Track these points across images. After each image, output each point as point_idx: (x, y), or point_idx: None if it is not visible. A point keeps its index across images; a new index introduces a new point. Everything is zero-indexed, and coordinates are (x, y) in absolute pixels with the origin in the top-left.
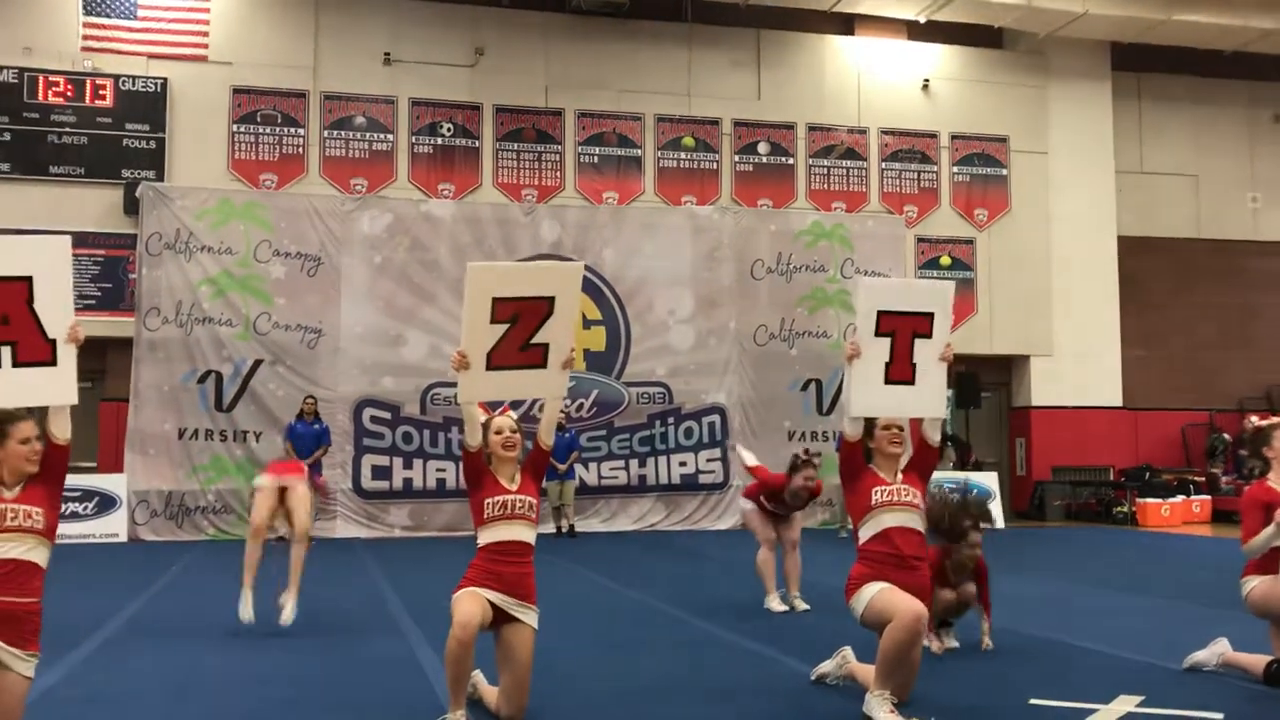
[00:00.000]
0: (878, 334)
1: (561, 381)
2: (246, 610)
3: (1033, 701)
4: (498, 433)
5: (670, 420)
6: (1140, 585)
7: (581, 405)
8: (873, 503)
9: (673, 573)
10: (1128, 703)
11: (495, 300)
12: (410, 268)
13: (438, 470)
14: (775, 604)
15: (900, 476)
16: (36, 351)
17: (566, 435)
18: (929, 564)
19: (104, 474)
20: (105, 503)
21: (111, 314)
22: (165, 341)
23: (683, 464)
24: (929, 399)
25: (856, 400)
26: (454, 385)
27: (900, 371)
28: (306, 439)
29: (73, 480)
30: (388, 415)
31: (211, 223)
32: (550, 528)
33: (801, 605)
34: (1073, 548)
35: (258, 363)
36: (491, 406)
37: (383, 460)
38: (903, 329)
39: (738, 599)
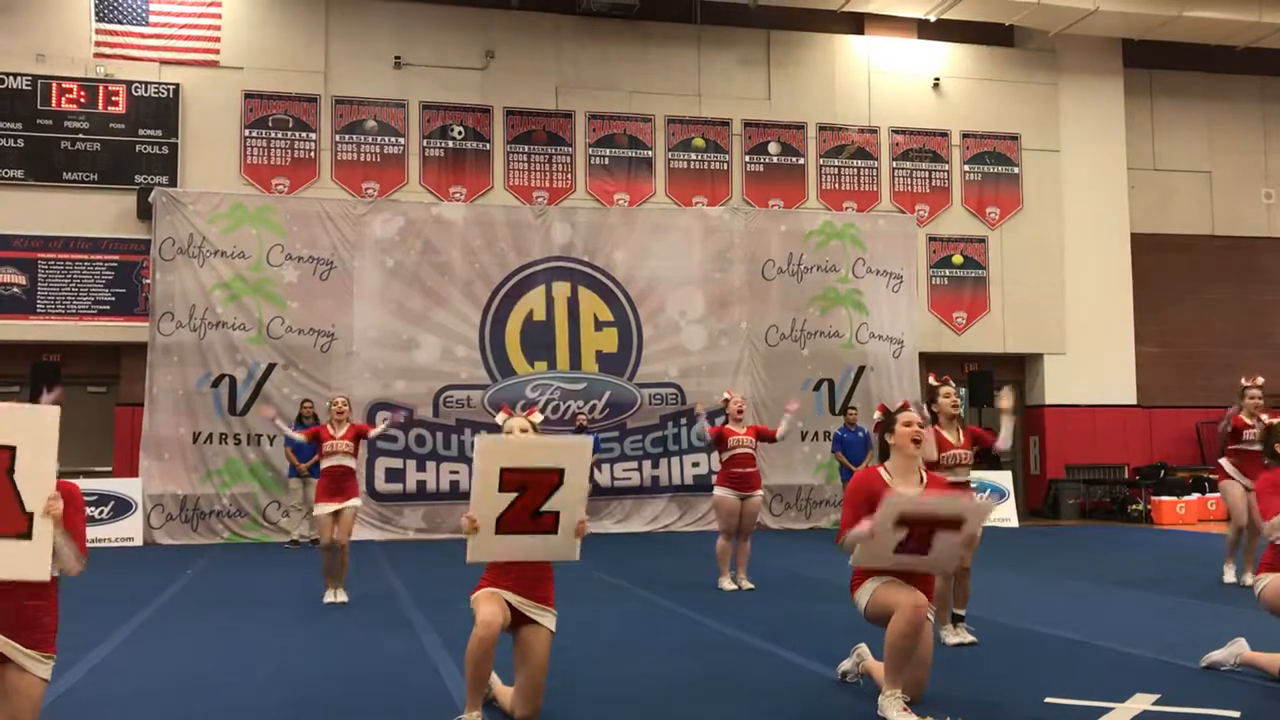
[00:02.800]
0: (897, 526)
1: (573, 546)
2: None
3: (1048, 700)
4: (509, 434)
5: (683, 421)
6: (1155, 583)
7: (594, 407)
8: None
9: (686, 574)
10: (1144, 701)
11: (504, 470)
12: (422, 270)
13: (451, 472)
14: (727, 584)
15: (923, 476)
16: (12, 523)
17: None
18: None
19: (119, 478)
20: (121, 506)
21: (125, 319)
22: (179, 346)
23: (695, 465)
24: (939, 563)
25: (859, 557)
26: (467, 387)
27: (915, 548)
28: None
29: (88, 484)
30: (400, 418)
31: (224, 227)
32: None
33: (748, 585)
34: (1087, 546)
35: (271, 366)
36: (512, 406)
37: (396, 463)
38: (925, 525)
39: (750, 600)
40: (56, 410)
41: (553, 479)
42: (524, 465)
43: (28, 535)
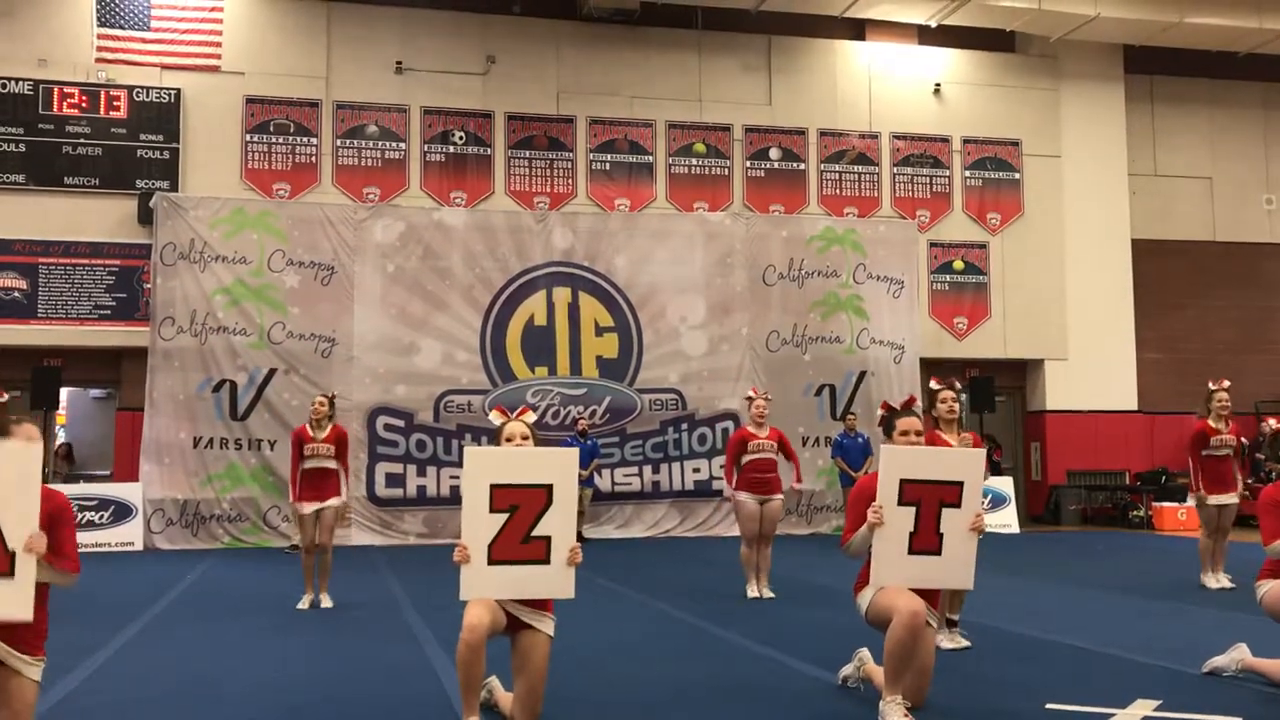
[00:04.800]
0: (901, 503)
1: (568, 579)
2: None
3: (1049, 706)
4: (508, 439)
5: (684, 426)
6: (1157, 589)
7: (595, 412)
8: None
9: (687, 579)
10: (1145, 707)
11: (493, 487)
12: (423, 276)
13: (451, 477)
14: (753, 592)
15: None
16: None
17: (588, 443)
18: None
19: (119, 483)
20: (121, 511)
21: (126, 324)
22: (180, 351)
23: (696, 470)
24: (956, 570)
25: (877, 571)
26: (467, 392)
27: (925, 541)
28: None
29: (88, 489)
30: (401, 423)
31: (225, 232)
32: None
33: (768, 593)
34: (1088, 552)
35: (272, 371)
36: (510, 408)
37: (396, 468)
38: (928, 498)
39: (752, 605)
40: (38, 448)
41: (542, 498)
42: (514, 481)
43: (10, 574)
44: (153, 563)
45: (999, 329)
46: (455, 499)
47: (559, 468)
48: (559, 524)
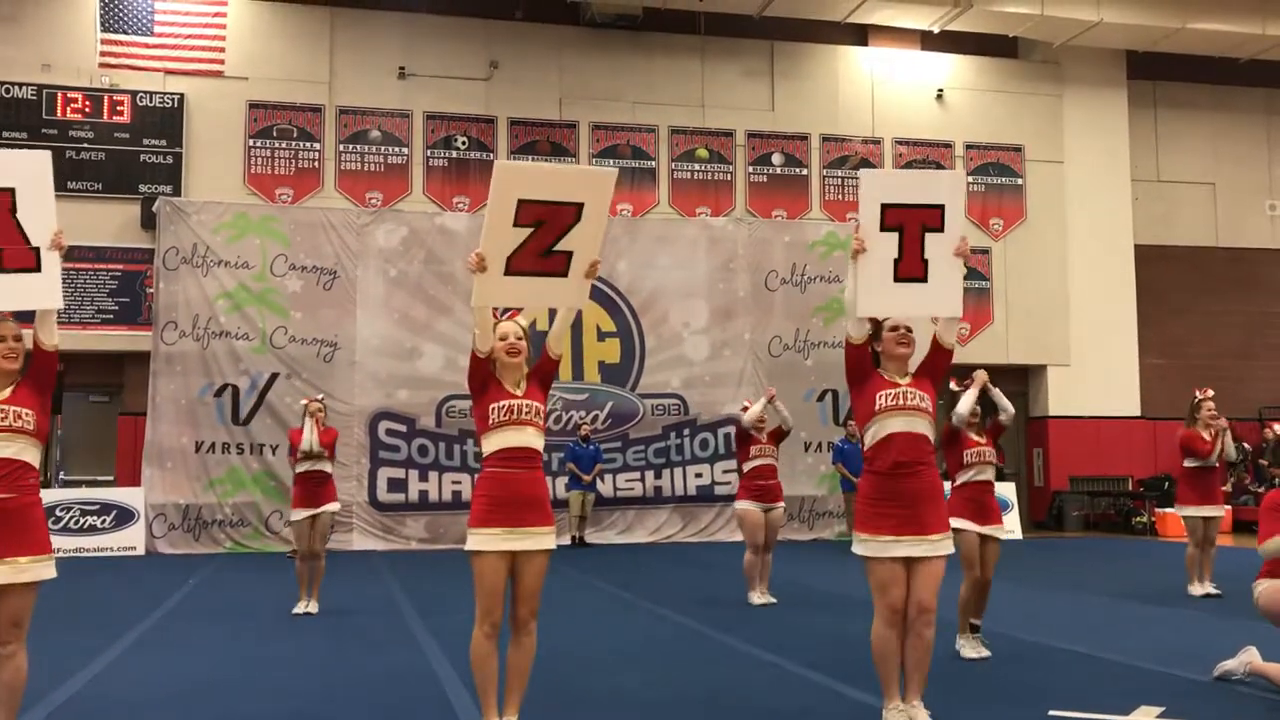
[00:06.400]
0: (883, 229)
1: (583, 290)
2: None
3: (1053, 712)
4: (502, 338)
5: (686, 432)
6: (1159, 595)
7: (596, 417)
8: (877, 408)
9: (689, 585)
10: (1148, 713)
11: (521, 202)
12: (425, 280)
13: (453, 482)
14: (756, 599)
15: (909, 379)
16: (21, 259)
17: (590, 448)
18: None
19: (121, 487)
20: (123, 516)
21: (129, 328)
22: (182, 355)
23: (698, 475)
24: (943, 296)
25: (864, 300)
26: (470, 398)
27: (910, 268)
28: None
29: (90, 493)
30: (403, 428)
31: (228, 237)
32: (567, 539)
33: (769, 599)
34: (1091, 558)
35: (274, 376)
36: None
37: (398, 473)
38: (910, 223)
39: (755, 612)
40: (48, 154)
41: (570, 215)
42: (544, 198)
43: (37, 268)
44: (154, 567)
45: (1001, 334)
46: (457, 504)
47: (595, 188)
48: (584, 240)
